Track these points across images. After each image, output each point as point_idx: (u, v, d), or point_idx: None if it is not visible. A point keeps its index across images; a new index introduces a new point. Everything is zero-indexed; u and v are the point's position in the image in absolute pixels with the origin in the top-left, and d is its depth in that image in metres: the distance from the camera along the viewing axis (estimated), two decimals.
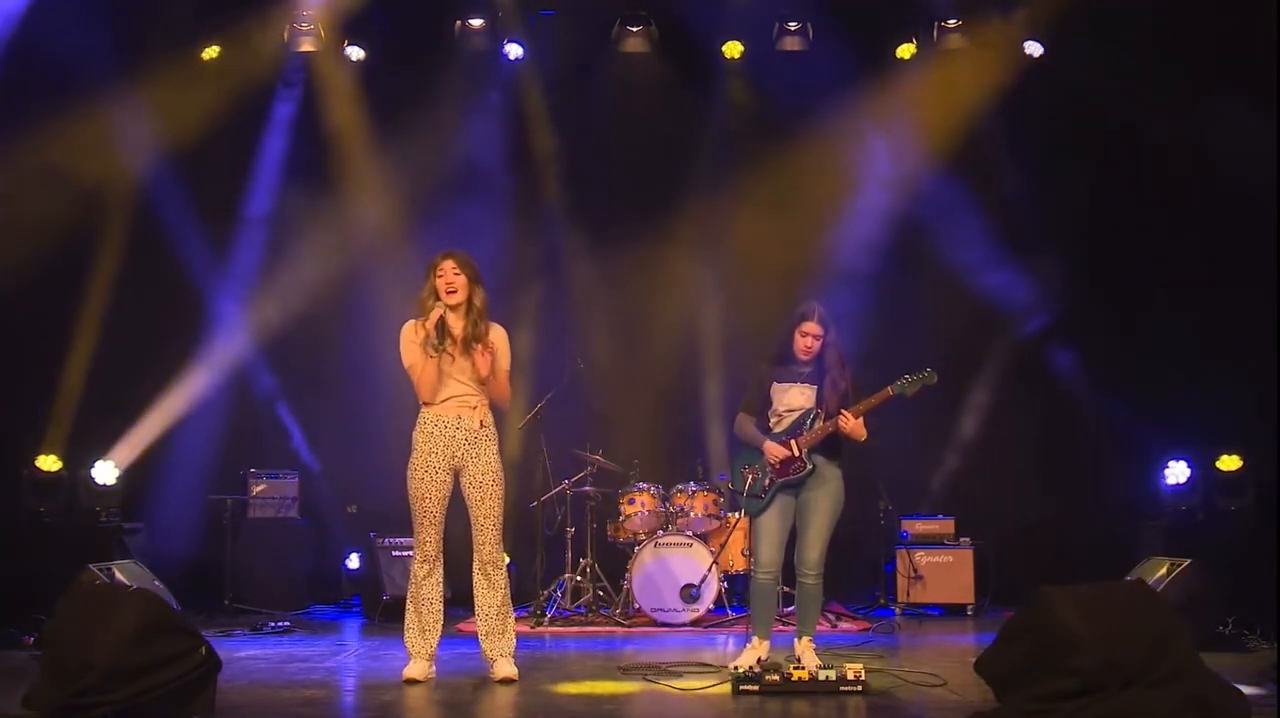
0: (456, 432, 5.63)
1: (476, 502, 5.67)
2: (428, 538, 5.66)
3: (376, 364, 8.61)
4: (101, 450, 8.39)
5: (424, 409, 5.68)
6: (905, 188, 9.18)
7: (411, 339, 5.67)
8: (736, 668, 5.58)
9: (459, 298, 5.62)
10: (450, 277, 5.62)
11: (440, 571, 5.73)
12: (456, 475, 5.68)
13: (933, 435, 9.12)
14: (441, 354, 5.60)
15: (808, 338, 5.87)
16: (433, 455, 5.62)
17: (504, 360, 5.74)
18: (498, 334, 5.74)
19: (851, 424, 5.75)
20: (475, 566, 5.71)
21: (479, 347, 5.59)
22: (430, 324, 5.57)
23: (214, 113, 8.87)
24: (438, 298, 5.63)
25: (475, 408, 5.66)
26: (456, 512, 5.73)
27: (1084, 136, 8.95)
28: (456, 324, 5.65)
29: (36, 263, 8.22)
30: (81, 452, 8.33)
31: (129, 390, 8.76)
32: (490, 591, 5.70)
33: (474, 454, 5.64)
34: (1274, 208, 7.79)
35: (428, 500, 5.63)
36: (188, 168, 8.93)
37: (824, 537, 5.86)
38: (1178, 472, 8.26)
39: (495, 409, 5.80)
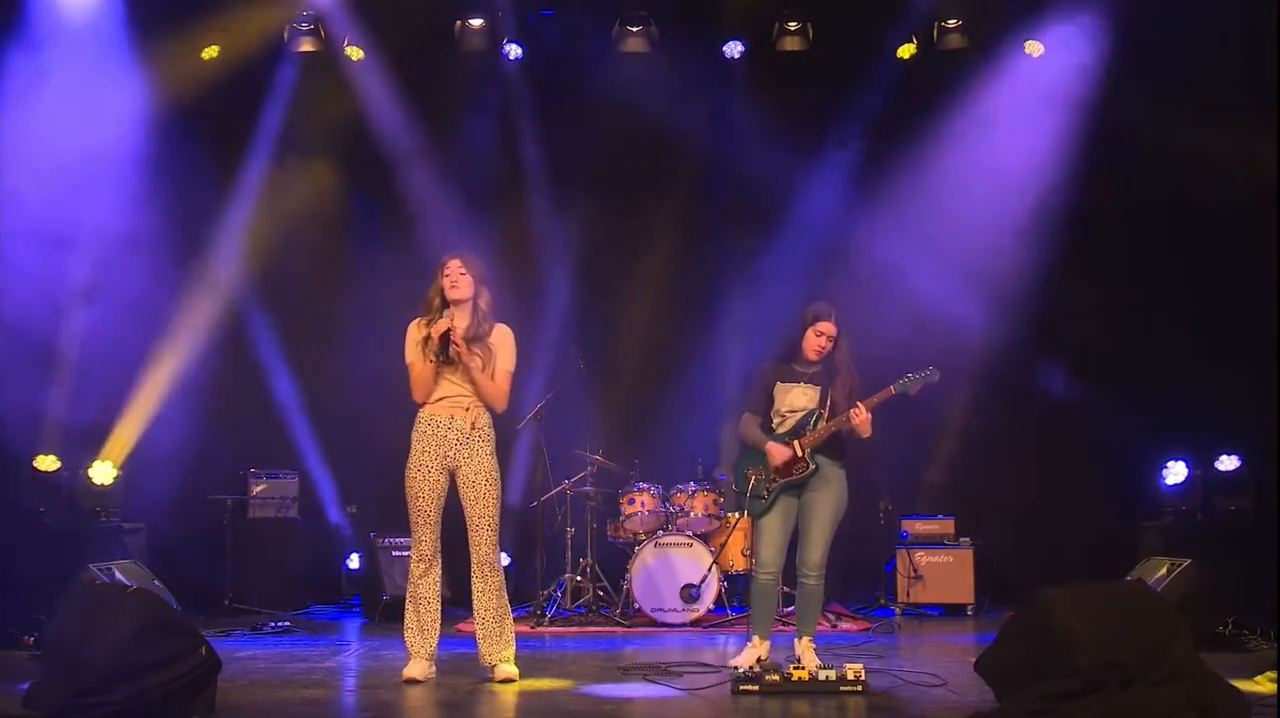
0: (449, 432, 5.64)
1: (471, 502, 5.67)
2: (423, 537, 5.67)
3: (377, 363, 8.59)
4: (97, 449, 8.38)
5: (420, 409, 5.70)
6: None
7: (415, 338, 5.69)
8: (736, 668, 5.58)
9: (460, 293, 5.64)
10: (455, 275, 5.64)
11: (437, 570, 5.74)
12: (452, 476, 5.69)
13: (932, 436, 9.12)
14: (441, 363, 5.60)
15: (822, 338, 5.87)
16: (426, 455, 5.63)
17: (505, 362, 5.72)
18: (502, 334, 5.73)
19: (864, 417, 5.75)
20: (472, 566, 5.71)
21: (475, 347, 5.60)
22: (436, 332, 5.57)
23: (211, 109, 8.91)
24: (444, 298, 5.64)
25: (468, 409, 5.66)
26: (455, 513, 5.74)
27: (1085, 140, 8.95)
28: (460, 323, 5.65)
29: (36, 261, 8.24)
30: (80, 452, 8.32)
31: (129, 390, 8.75)
32: (486, 592, 5.70)
33: (467, 455, 5.64)
34: (1274, 207, 7.78)
35: (422, 500, 5.64)
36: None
37: (826, 537, 5.87)
38: (1177, 472, 8.26)
39: (492, 411, 5.77)
